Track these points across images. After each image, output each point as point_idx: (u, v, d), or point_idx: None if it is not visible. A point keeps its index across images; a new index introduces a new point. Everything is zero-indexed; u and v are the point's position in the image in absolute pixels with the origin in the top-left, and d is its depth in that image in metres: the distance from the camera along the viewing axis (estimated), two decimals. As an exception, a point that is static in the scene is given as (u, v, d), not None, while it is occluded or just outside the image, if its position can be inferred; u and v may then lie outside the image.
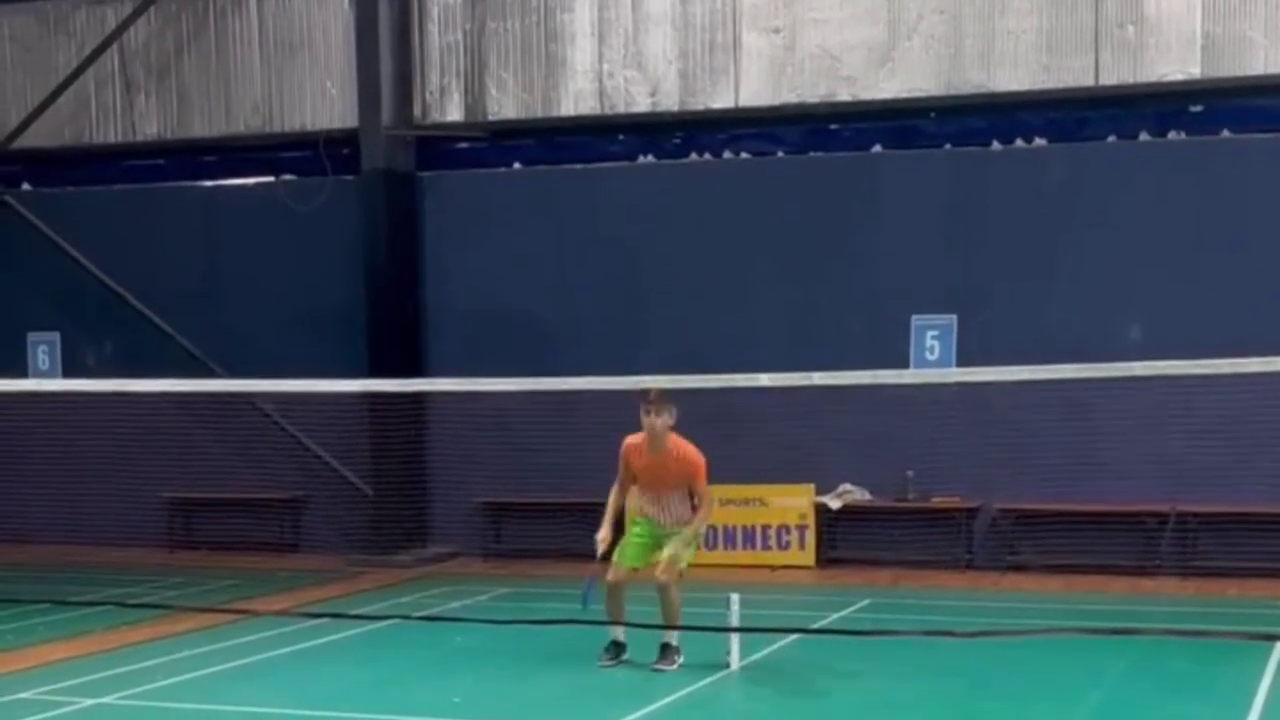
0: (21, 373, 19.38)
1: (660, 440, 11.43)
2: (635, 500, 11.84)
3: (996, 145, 16.75)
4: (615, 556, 11.55)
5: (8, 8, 20.11)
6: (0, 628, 13.28)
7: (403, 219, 18.46)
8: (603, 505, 17.37)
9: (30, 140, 19.78)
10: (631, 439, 11.66)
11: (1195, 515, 15.83)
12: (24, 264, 19.86)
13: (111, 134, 19.87)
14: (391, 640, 12.84)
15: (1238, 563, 15.61)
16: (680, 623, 11.39)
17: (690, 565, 11.71)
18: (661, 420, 11.34)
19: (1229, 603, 14.36)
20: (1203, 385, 13.16)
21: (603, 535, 11.59)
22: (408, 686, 11.17)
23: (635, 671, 11.35)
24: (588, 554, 17.21)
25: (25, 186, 20.31)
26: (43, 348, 19.98)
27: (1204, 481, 15.69)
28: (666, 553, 11.38)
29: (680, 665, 11.45)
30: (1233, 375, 11.37)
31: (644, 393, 11.24)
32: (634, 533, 11.70)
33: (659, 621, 11.37)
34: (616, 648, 11.67)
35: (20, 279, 19.92)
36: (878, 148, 17.19)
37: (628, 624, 11.41)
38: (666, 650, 11.50)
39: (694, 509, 11.58)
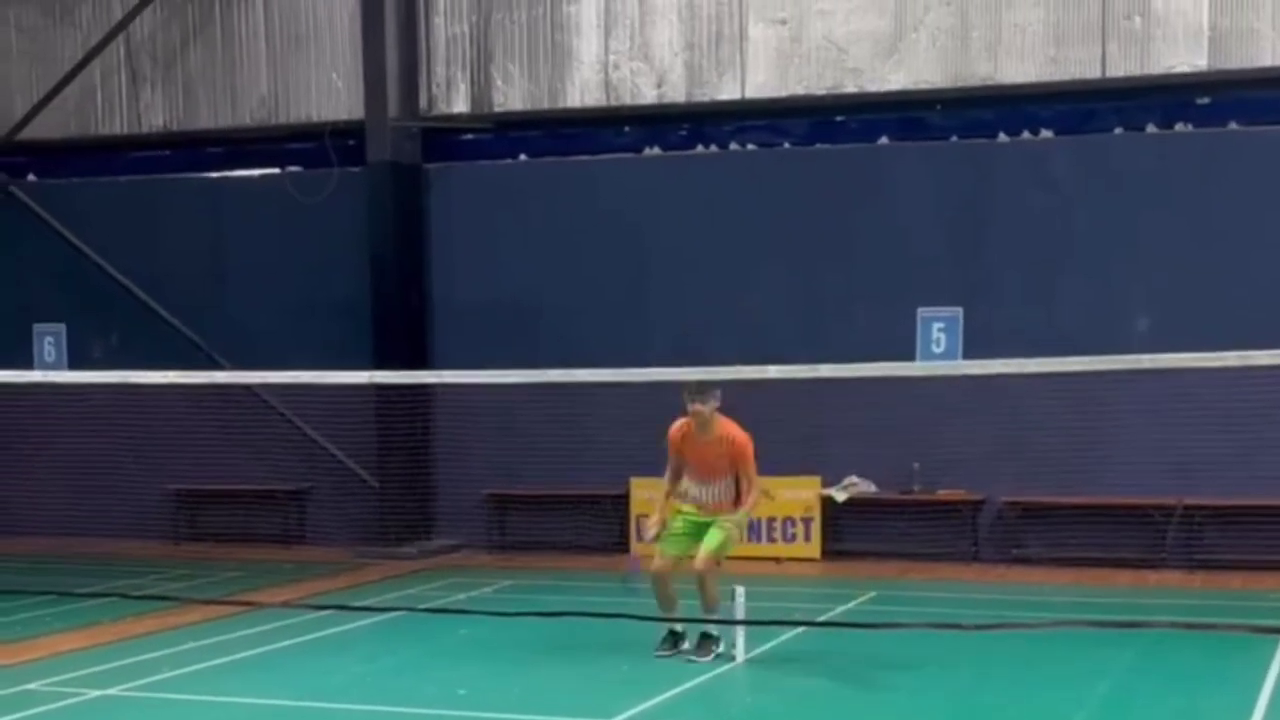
0: (27, 364, 19.38)
1: (709, 425, 11.40)
2: (682, 485, 11.68)
3: (1003, 137, 16.73)
4: (658, 547, 11.55)
5: (14, -2, 20.14)
6: (7, 619, 13.32)
7: (408, 211, 18.45)
8: (608, 498, 17.59)
9: (36, 131, 19.77)
10: (677, 425, 11.58)
11: (1201, 508, 15.82)
12: (30, 255, 19.86)
13: (117, 125, 19.87)
14: (397, 632, 12.84)
15: (1244, 555, 15.59)
16: (718, 611, 11.40)
17: (728, 555, 11.67)
18: (708, 406, 11.35)
19: (1235, 595, 14.35)
20: (1209, 378, 13.17)
21: (654, 521, 11.58)
22: (413, 679, 11.16)
23: (642, 663, 11.33)
24: (592, 547, 17.50)
25: (31, 177, 20.29)
26: (49, 339, 19.98)
27: (1210, 474, 15.66)
28: (707, 544, 11.35)
29: (717, 655, 11.42)
30: (1239, 368, 11.38)
31: (685, 385, 11.26)
32: (675, 525, 11.62)
33: (700, 612, 11.40)
34: (674, 637, 11.65)
35: (26, 270, 19.91)
36: (884, 139, 17.17)
37: (664, 619, 11.41)
38: (705, 641, 11.52)
39: (738, 497, 11.50)
